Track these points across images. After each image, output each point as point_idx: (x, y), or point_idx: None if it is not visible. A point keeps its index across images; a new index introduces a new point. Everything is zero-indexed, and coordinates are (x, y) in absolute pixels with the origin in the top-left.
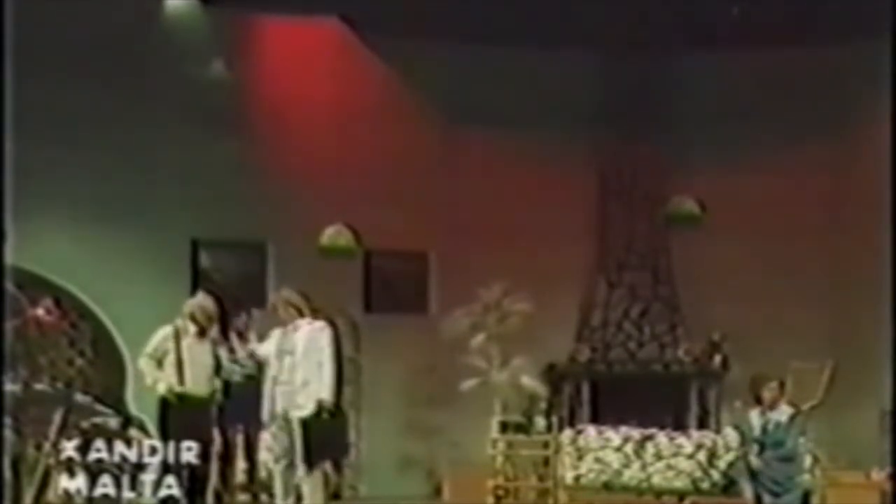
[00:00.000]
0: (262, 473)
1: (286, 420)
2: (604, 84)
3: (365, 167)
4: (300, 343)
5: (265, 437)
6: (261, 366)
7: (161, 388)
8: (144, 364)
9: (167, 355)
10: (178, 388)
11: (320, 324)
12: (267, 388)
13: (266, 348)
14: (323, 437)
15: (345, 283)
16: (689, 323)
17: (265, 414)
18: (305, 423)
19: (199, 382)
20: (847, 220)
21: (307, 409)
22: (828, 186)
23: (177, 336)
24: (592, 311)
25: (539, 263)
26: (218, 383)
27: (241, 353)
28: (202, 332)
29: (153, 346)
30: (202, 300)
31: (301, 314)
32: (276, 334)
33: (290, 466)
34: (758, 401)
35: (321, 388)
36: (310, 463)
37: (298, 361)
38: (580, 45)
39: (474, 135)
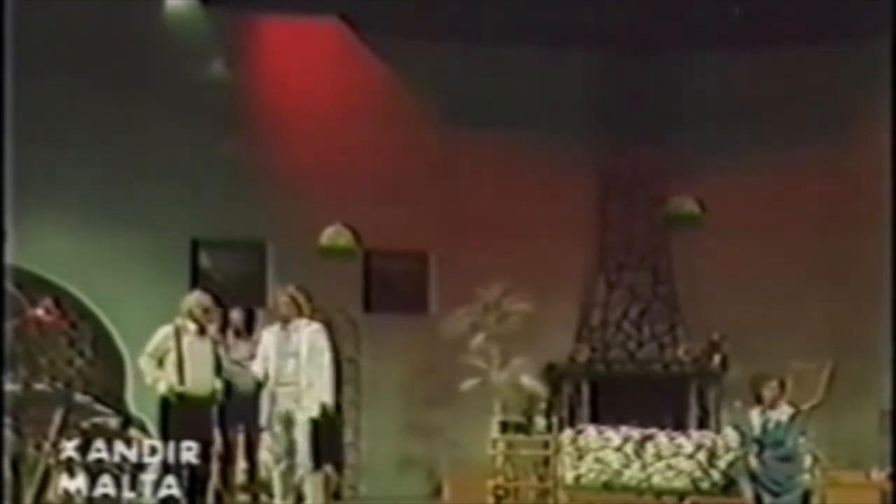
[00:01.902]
0: (263, 473)
1: (288, 421)
2: (604, 84)
3: (365, 167)
4: (304, 345)
5: (266, 437)
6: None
7: (161, 388)
8: (145, 364)
9: (168, 354)
10: (178, 388)
11: (317, 325)
12: (268, 387)
13: (263, 350)
14: (321, 439)
15: (345, 283)
16: (689, 323)
17: (264, 414)
18: (314, 424)
19: (199, 381)
20: (847, 220)
21: (313, 411)
22: (828, 186)
23: (178, 335)
24: (592, 311)
25: (539, 263)
26: (219, 383)
27: (237, 354)
28: (202, 330)
29: (154, 345)
30: (198, 296)
31: (301, 313)
32: (272, 334)
33: (291, 468)
34: (758, 400)
35: (323, 390)
36: (317, 463)
37: (303, 364)
38: (580, 45)
39: (474, 135)
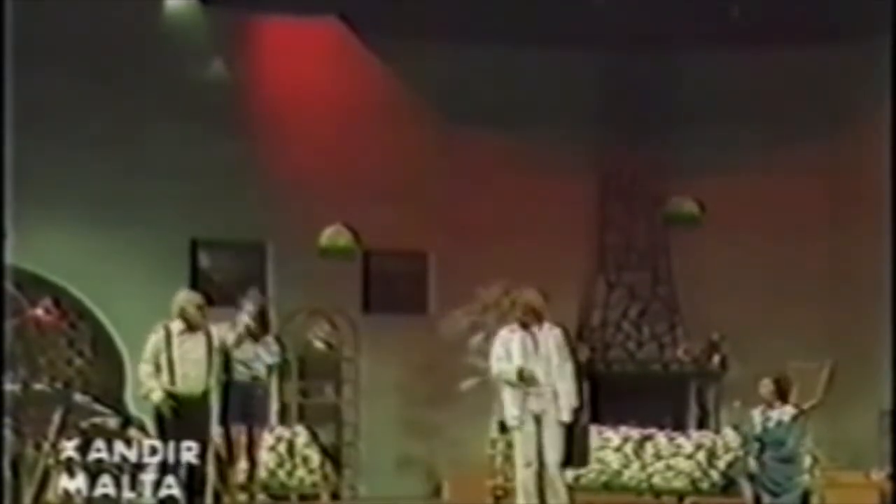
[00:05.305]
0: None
1: (538, 423)
2: (604, 84)
3: (364, 167)
4: (553, 350)
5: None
6: (270, 367)
7: (155, 398)
8: (143, 373)
9: (161, 355)
10: (170, 388)
11: (559, 330)
12: (514, 390)
13: (506, 351)
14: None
15: (344, 283)
16: (689, 323)
17: (513, 415)
18: (565, 428)
19: (190, 380)
20: (847, 220)
21: (565, 416)
22: (828, 186)
23: (168, 336)
24: (592, 311)
25: (539, 263)
26: (213, 381)
27: (244, 355)
28: (192, 328)
29: (149, 351)
30: (189, 295)
31: (541, 319)
32: (514, 333)
33: (538, 471)
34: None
35: (572, 395)
36: (567, 464)
37: (553, 368)
38: (580, 45)
39: (474, 135)
